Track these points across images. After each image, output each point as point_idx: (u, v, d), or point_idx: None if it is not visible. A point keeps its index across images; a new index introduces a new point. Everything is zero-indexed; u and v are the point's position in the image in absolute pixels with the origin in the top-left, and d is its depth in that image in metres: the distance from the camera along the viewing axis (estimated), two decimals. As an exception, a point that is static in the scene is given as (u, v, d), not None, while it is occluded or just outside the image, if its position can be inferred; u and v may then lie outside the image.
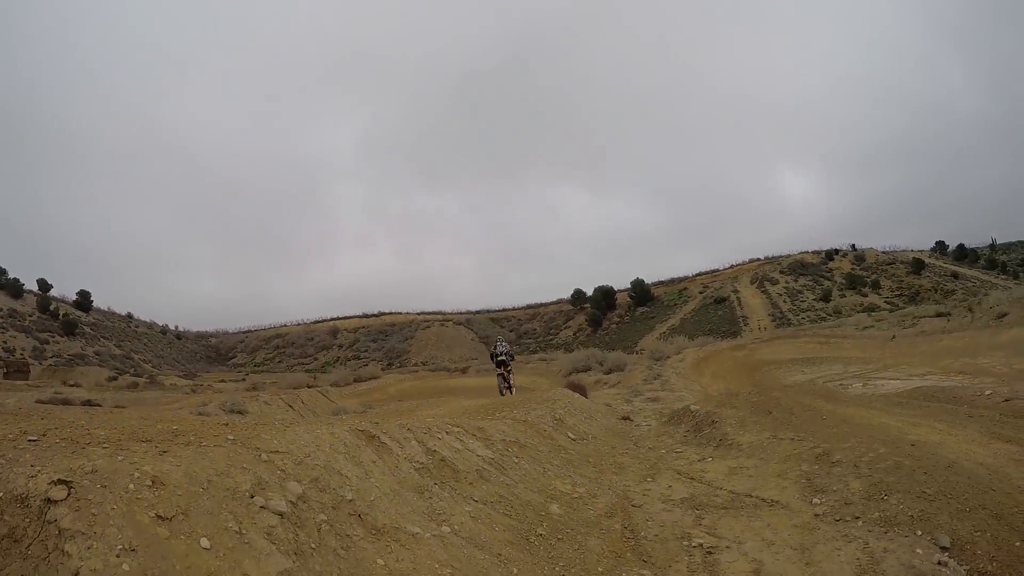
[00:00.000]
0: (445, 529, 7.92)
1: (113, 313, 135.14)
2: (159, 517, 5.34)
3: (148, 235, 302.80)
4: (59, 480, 5.23)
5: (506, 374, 27.88)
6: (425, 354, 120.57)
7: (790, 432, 11.76)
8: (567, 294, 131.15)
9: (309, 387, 57.31)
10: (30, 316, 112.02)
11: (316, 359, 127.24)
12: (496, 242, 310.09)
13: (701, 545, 8.06)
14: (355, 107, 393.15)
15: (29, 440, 6.35)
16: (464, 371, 72.26)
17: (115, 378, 78.45)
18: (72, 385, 61.38)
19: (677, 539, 8.40)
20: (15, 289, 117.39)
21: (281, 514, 6.35)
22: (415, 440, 10.19)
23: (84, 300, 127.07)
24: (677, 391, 26.24)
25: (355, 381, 69.83)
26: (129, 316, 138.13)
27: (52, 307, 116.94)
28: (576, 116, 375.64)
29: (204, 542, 5.43)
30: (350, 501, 7.45)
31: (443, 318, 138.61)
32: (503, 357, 28.16)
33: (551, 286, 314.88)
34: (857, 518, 7.96)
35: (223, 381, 76.63)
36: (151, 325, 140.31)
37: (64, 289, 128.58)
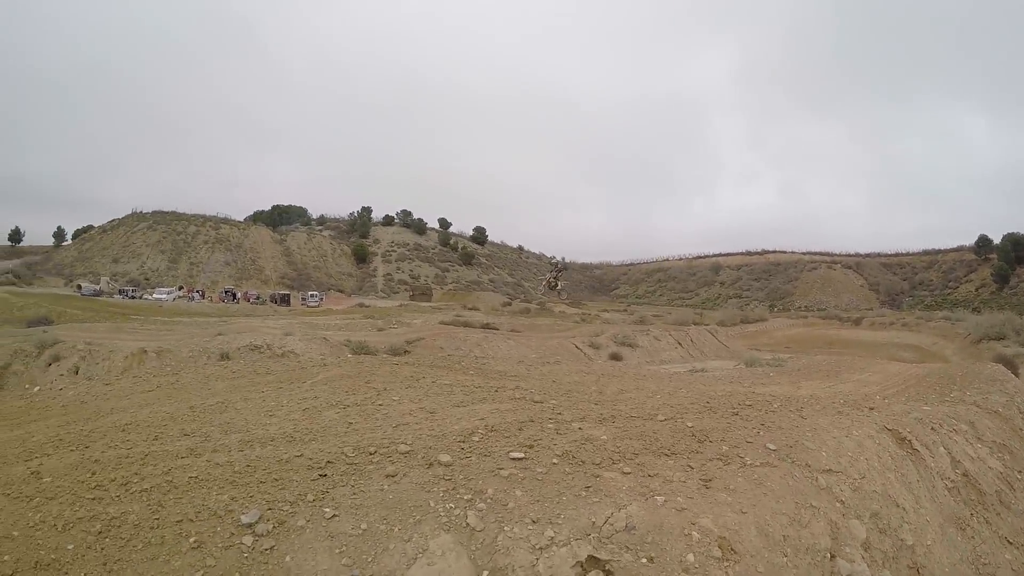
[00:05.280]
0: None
1: (505, 245, 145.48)
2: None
3: (537, 178, 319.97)
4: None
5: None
6: (810, 298, 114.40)
7: None
8: (968, 240, 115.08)
9: (695, 324, 56.03)
10: (432, 249, 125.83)
11: (697, 295, 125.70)
12: (884, 176, 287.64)
13: None
14: (728, 38, 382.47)
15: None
16: (857, 322, 67.17)
17: (509, 303, 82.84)
18: (471, 308, 65.13)
19: None
20: (419, 227, 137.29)
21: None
22: (942, 446, 7.98)
23: (480, 235, 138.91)
24: None
25: (741, 322, 67.57)
26: (520, 248, 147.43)
27: (451, 241, 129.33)
28: (976, 24, 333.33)
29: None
30: (910, 548, 5.80)
31: (830, 260, 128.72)
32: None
33: (949, 229, 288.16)
34: None
35: (606, 311, 77.89)
36: (540, 256, 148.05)
37: (462, 226, 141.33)
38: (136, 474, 5.38)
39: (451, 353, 25.69)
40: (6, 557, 4.52)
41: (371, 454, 5.56)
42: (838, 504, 5.59)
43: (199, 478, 5.21)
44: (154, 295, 79.54)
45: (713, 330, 48.70)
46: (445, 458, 5.45)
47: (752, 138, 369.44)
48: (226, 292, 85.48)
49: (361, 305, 76.09)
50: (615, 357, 34.22)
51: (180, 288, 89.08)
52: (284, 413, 6.90)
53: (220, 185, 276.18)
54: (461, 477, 5.17)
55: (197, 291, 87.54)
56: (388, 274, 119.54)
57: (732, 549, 4.33)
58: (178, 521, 4.63)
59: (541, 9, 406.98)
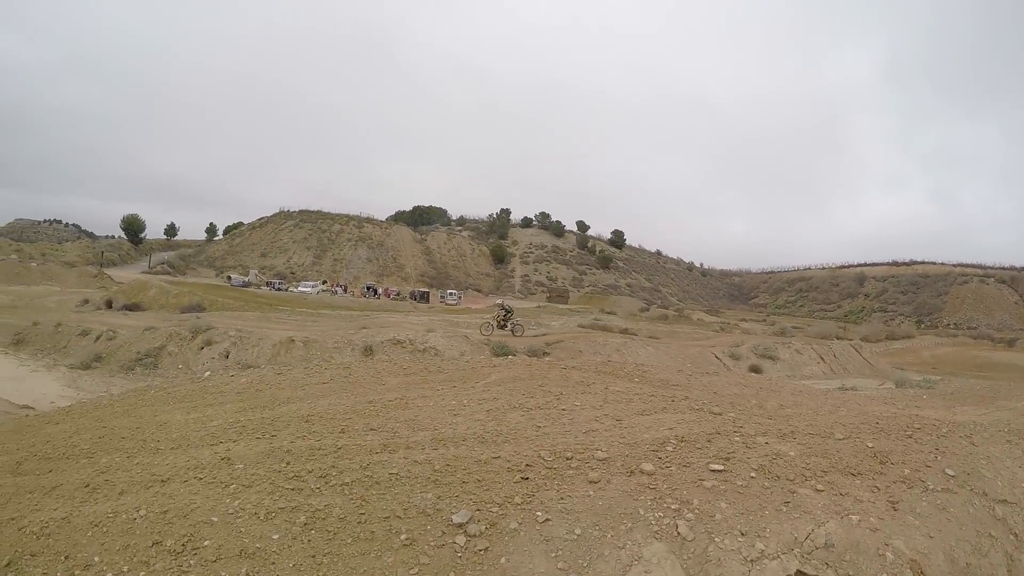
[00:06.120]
0: None
1: (643, 250, 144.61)
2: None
3: (675, 181, 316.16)
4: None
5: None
6: (959, 315, 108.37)
7: None
8: None
9: (838, 339, 54.08)
10: (570, 252, 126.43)
11: (840, 307, 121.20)
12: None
13: None
14: (872, 32, 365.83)
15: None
16: (1011, 344, 63.74)
17: (646, 308, 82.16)
18: (608, 313, 64.76)
19: None
20: (557, 229, 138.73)
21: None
22: None
23: (618, 239, 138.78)
24: None
25: (887, 338, 64.91)
26: (658, 253, 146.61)
27: (589, 244, 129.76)
28: None
29: None
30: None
31: (983, 273, 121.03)
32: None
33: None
34: None
35: (745, 320, 76.40)
36: (678, 262, 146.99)
37: (600, 229, 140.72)
38: (333, 467, 5.46)
39: (593, 357, 25.51)
40: (207, 543, 4.60)
41: (568, 459, 5.52)
42: (1012, 536, 5.49)
43: (399, 475, 5.25)
44: (299, 288, 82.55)
45: (857, 345, 46.67)
46: (648, 467, 5.38)
47: (899, 140, 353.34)
48: (368, 288, 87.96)
49: (500, 305, 76.92)
50: (755, 369, 33.34)
51: (324, 282, 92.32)
52: (468, 413, 6.91)
53: (363, 186, 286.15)
54: (665, 487, 5.12)
55: (340, 285, 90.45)
56: (525, 275, 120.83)
57: (922, 573, 4.36)
58: (386, 517, 4.66)
59: (680, 8, 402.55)
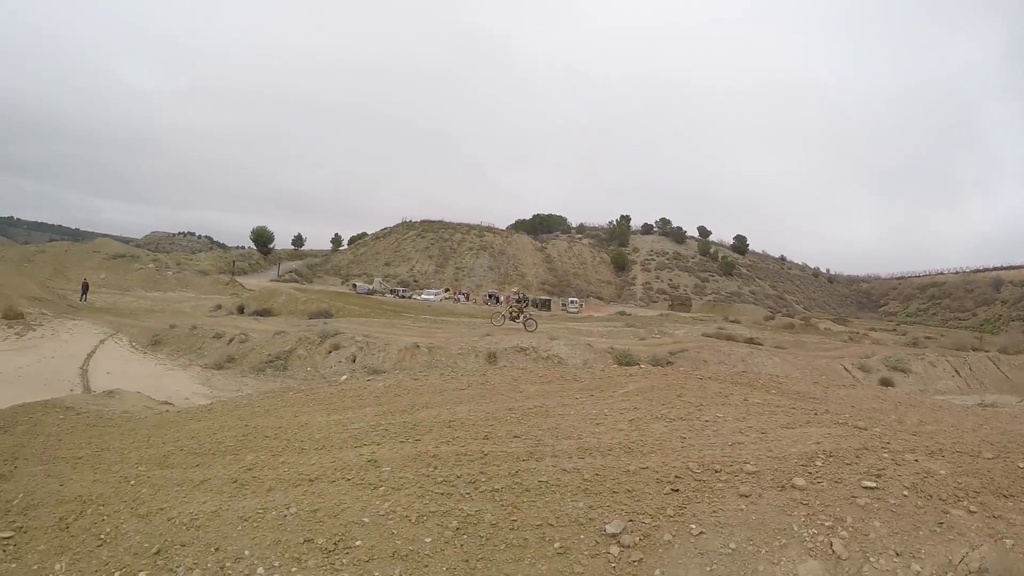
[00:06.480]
0: None
1: (767, 255, 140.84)
2: None
3: (798, 181, 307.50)
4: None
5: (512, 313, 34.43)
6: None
7: None
8: None
9: (974, 350, 51.45)
10: (692, 258, 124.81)
11: (975, 315, 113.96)
12: None
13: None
14: (991, 11, 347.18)
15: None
16: None
17: (771, 317, 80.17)
18: (732, 321, 63.51)
19: None
20: (678, 236, 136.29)
21: None
22: None
23: (740, 244, 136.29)
24: None
25: (1027, 349, 61.40)
26: (782, 258, 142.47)
27: (711, 250, 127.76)
28: None
29: None
30: None
31: None
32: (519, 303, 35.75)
33: None
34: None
35: (874, 330, 73.66)
36: (803, 268, 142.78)
37: (722, 235, 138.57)
38: (482, 473, 5.54)
39: (718, 367, 25.05)
40: (359, 542, 4.71)
41: (716, 471, 5.45)
42: None
43: (549, 483, 5.29)
44: (422, 295, 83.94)
45: (995, 358, 44.08)
46: (799, 482, 5.24)
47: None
48: (489, 296, 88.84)
49: (621, 313, 76.48)
50: (885, 382, 31.90)
51: (446, 290, 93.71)
52: (610, 423, 6.90)
53: (483, 195, 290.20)
54: (817, 503, 4.98)
55: (462, 293, 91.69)
56: (647, 283, 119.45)
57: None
58: (538, 525, 4.70)
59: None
